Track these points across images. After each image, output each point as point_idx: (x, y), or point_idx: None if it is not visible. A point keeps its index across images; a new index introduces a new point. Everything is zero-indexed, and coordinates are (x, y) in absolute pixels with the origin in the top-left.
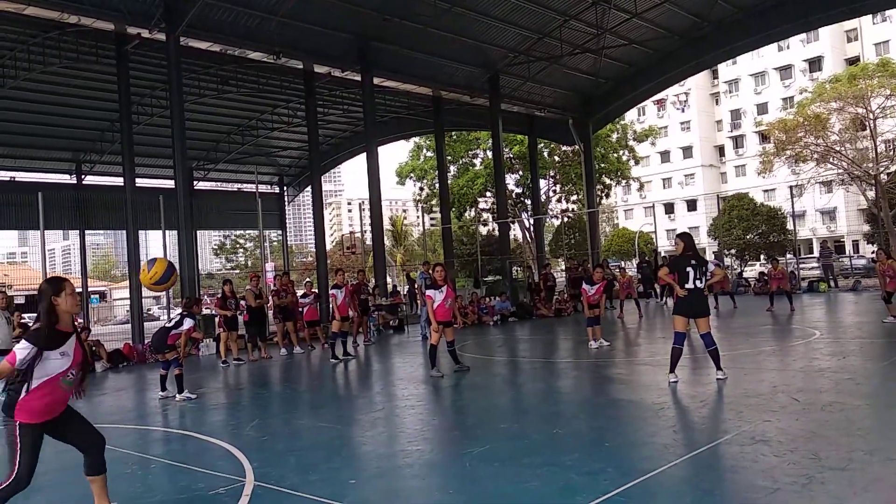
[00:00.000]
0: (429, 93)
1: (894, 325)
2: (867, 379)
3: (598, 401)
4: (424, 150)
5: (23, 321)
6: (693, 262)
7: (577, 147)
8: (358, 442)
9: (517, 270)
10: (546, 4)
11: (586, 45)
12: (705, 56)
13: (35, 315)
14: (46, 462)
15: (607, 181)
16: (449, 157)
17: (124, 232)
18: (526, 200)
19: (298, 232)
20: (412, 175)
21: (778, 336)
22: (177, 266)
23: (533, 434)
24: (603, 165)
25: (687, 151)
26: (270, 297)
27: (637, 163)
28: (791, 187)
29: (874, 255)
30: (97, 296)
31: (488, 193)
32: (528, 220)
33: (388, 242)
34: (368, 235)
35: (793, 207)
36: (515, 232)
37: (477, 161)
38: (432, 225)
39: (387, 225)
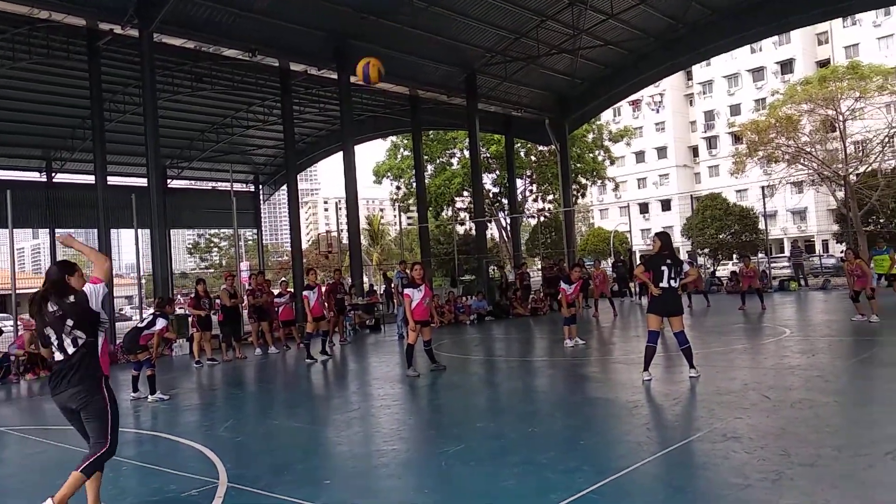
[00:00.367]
0: (406, 92)
1: (862, 323)
2: (836, 376)
3: (573, 399)
4: (401, 150)
5: None
6: (668, 261)
7: (553, 147)
8: (333, 442)
9: (493, 270)
10: (523, 5)
11: (563, 45)
12: (680, 57)
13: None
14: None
15: (583, 181)
16: (426, 157)
17: (96, 231)
18: (503, 200)
19: (274, 231)
20: (389, 174)
21: (749, 334)
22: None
23: (509, 433)
24: (579, 165)
25: (661, 152)
26: (245, 297)
27: (612, 163)
28: (763, 187)
29: (843, 255)
30: None
31: (465, 193)
32: (505, 219)
33: (364, 241)
34: (345, 234)
35: (764, 207)
36: (492, 231)
37: (454, 160)
38: (409, 224)
39: (363, 224)
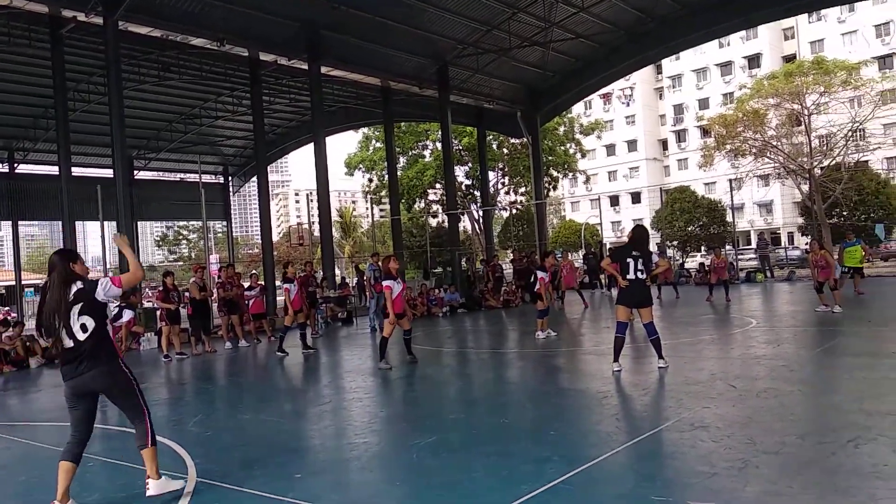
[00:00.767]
0: (377, 83)
1: (826, 314)
2: (800, 366)
3: (544, 390)
4: (373, 141)
5: None
6: (634, 253)
7: (525, 140)
8: (304, 436)
9: (464, 262)
10: None
11: (534, 38)
12: (649, 51)
13: None
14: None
15: (555, 174)
16: (398, 149)
17: (59, 223)
18: (475, 192)
19: (244, 223)
20: (361, 166)
21: (717, 325)
22: (115, 260)
23: (480, 424)
24: (550, 158)
25: (632, 145)
26: (215, 290)
27: (583, 156)
28: (730, 180)
29: (808, 246)
30: (32, 289)
31: (438, 185)
32: (478, 211)
33: (336, 234)
34: (316, 227)
35: (732, 200)
36: (465, 224)
37: (426, 153)
38: (381, 216)
39: (335, 216)
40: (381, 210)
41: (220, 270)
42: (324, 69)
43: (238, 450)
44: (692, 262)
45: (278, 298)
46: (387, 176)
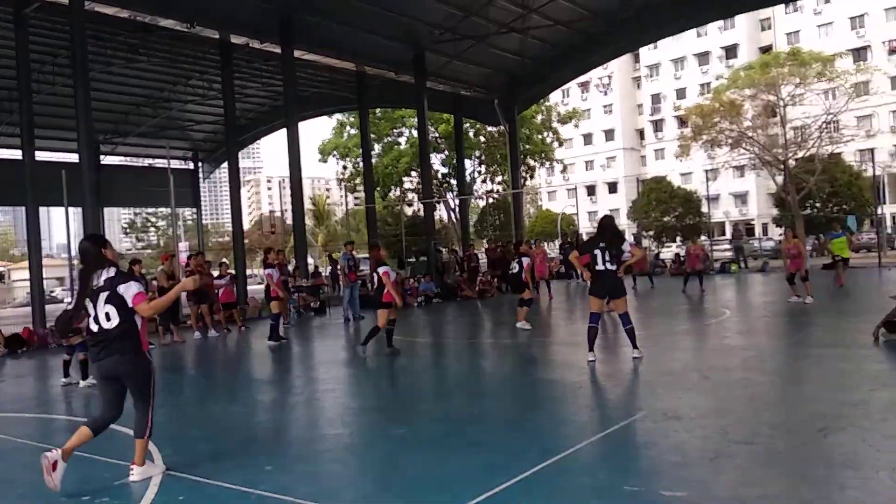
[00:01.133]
0: (352, 68)
1: (797, 305)
2: (772, 356)
3: (518, 380)
4: (348, 128)
5: None
6: (602, 244)
7: (502, 128)
8: (275, 427)
9: (448, 251)
10: None
11: (512, 24)
12: (627, 39)
13: None
14: None
15: (532, 162)
16: (373, 135)
17: (23, 209)
18: (451, 181)
19: (214, 210)
20: (335, 153)
21: (691, 316)
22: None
23: (455, 415)
24: (527, 147)
25: (609, 134)
26: (184, 278)
27: (561, 144)
28: (706, 171)
29: (782, 234)
30: None
31: (413, 173)
32: (454, 200)
33: (309, 222)
34: (289, 215)
35: (707, 191)
36: (441, 213)
37: (402, 140)
38: (356, 204)
39: (308, 204)
40: (355, 198)
41: (190, 259)
42: (297, 53)
43: (207, 441)
44: (667, 253)
45: (249, 287)
46: (361, 163)
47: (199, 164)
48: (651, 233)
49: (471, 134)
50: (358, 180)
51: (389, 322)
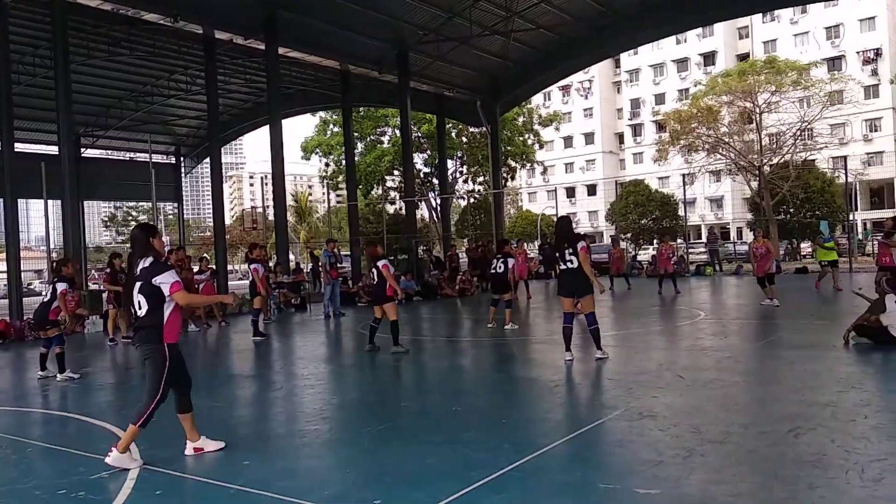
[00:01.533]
0: (336, 66)
1: (770, 308)
2: (745, 357)
3: (496, 379)
4: (331, 126)
5: None
6: (563, 245)
7: (484, 129)
8: (254, 422)
9: (423, 250)
10: None
11: (495, 27)
12: (609, 45)
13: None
14: None
15: (513, 164)
16: (356, 134)
17: (1, 201)
18: (433, 180)
19: (196, 205)
20: (318, 150)
21: (667, 317)
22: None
23: (433, 412)
24: (509, 148)
25: (589, 137)
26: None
27: (541, 147)
28: (683, 175)
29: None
30: None
31: (396, 172)
32: (435, 199)
33: (291, 219)
34: (271, 211)
35: (684, 195)
36: (422, 211)
37: (385, 139)
38: (338, 202)
39: (290, 201)
40: (337, 196)
41: (170, 253)
42: (281, 50)
43: (184, 437)
44: (644, 255)
45: (230, 283)
46: (344, 161)
47: (182, 158)
48: (629, 235)
49: (453, 134)
50: (340, 178)
51: (374, 321)
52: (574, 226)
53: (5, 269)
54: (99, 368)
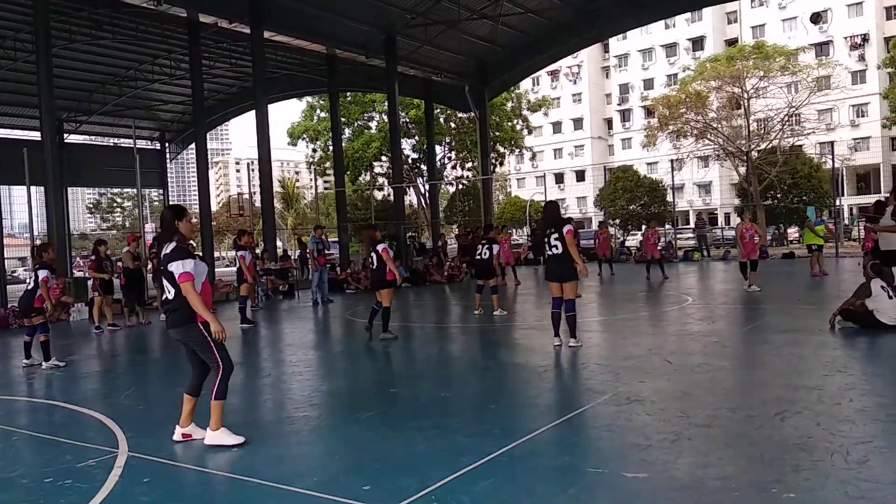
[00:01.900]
0: (323, 50)
1: (756, 293)
2: (732, 342)
3: (485, 364)
4: (318, 111)
5: None
6: (548, 230)
7: (472, 114)
8: (242, 410)
9: (408, 236)
10: None
11: (484, 10)
12: (597, 29)
13: None
14: None
15: (501, 149)
16: (343, 119)
17: None
18: (421, 166)
19: (182, 191)
20: (305, 136)
21: (655, 302)
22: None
23: (422, 398)
24: (497, 134)
25: (577, 123)
26: (150, 261)
27: (530, 132)
28: (672, 161)
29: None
30: None
31: (384, 157)
32: (424, 185)
33: (278, 205)
34: (257, 197)
35: (672, 180)
36: (410, 198)
37: (372, 124)
38: (325, 188)
39: (277, 187)
40: (325, 182)
41: (155, 240)
42: (267, 34)
43: (172, 423)
44: (633, 241)
45: (216, 270)
46: (331, 147)
47: (167, 144)
48: (617, 221)
49: (441, 120)
50: (328, 164)
51: (376, 304)
52: (563, 212)
53: None
54: (84, 356)
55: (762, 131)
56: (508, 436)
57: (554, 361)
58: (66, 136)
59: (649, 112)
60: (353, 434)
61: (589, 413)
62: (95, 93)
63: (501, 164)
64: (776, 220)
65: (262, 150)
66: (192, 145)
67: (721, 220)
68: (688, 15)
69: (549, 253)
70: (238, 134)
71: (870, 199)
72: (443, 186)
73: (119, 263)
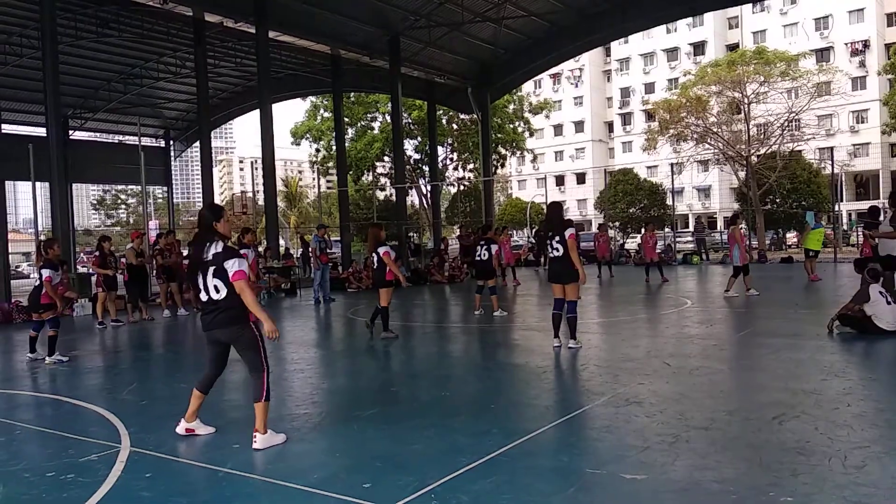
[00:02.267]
0: (327, 51)
1: (753, 297)
2: (731, 345)
3: (485, 365)
4: (321, 111)
5: None
6: (550, 233)
7: (475, 116)
8: (242, 406)
9: (413, 236)
10: None
11: (487, 13)
12: (599, 33)
13: None
14: None
15: (503, 151)
16: (347, 119)
17: None
18: (424, 167)
19: (186, 189)
20: (308, 135)
21: (654, 305)
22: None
23: (422, 397)
24: (499, 135)
25: (579, 126)
26: (154, 257)
27: (532, 134)
28: (672, 165)
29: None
30: None
31: (386, 158)
32: (426, 186)
33: (281, 204)
34: (260, 196)
35: (672, 184)
36: (412, 198)
37: (375, 125)
38: (328, 188)
39: (280, 186)
40: (327, 181)
41: (160, 237)
42: (272, 34)
43: (174, 419)
44: (632, 243)
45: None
46: (334, 146)
47: (171, 142)
48: (617, 223)
49: (444, 121)
50: (331, 164)
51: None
52: (564, 213)
53: None
54: (88, 351)
55: (762, 136)
56: (508, 436)
57: (553, 362)
58: (71, 132)
59: (650, 116)
60: (353, 432)
61: (588, 414)
62: (101, 90)
63: (503, 165)
64: (775, 224)
65: (266, 149)
66: (197, 143)
67: (720, 223)
68: (689, 20)
69: (551, 255)
70: (242, 132)
71: (868, 206)
72: (444, 187)
73: (122, 260)
